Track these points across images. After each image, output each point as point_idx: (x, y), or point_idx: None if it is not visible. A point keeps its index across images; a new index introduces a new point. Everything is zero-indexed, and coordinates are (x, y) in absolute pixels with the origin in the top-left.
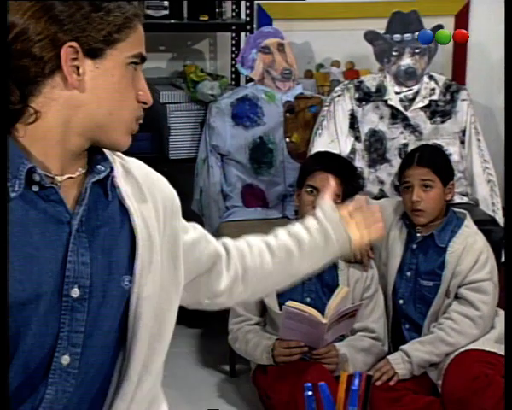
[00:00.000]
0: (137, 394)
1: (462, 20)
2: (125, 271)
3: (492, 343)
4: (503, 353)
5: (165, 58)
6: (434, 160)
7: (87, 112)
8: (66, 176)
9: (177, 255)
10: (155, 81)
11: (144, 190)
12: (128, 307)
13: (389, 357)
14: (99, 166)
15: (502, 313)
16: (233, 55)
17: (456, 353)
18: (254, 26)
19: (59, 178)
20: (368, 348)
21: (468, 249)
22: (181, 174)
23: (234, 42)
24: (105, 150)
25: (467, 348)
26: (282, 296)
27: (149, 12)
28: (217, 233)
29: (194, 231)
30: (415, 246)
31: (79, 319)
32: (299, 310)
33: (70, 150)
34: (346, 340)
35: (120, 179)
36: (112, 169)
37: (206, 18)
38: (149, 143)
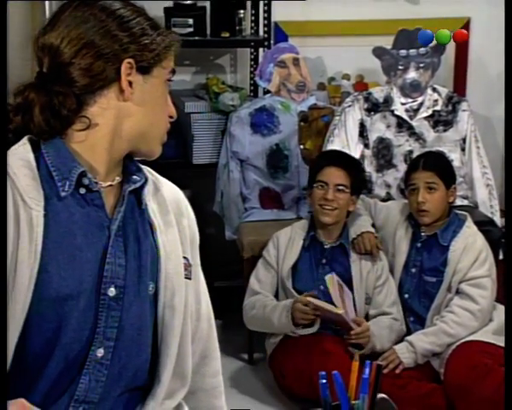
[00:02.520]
0: (167, 396)
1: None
2: (151, 278)
3: (491, 335)
4: (500, 344)
5: (189, 72)
6: (438, 164)
7: (133, 122)
8: (109, 183)
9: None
10: (180, 93)
11: (171, 211)
12: (157, 313)
13: (395, 347)
14: (134, 177)
15: (499, 306)
16: (252, 69)
17: (458, 343)
18: (271, 42)
19: (103, 184)
20: (390, 326)
21: (469, 248)
22: (203, 178)
23: (253, 57)
24: (142, 167)
25: (467, 339)
26: (297, 282)
27: (175, 29)
28: (237, 232)
29: None
30: (419, 245)
31: (114, 316)
32: (321, 305)
33: (114, 158)
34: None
35: (149, 197)
36: (146, 179)
37: (227, 35)
38: (175, 149)
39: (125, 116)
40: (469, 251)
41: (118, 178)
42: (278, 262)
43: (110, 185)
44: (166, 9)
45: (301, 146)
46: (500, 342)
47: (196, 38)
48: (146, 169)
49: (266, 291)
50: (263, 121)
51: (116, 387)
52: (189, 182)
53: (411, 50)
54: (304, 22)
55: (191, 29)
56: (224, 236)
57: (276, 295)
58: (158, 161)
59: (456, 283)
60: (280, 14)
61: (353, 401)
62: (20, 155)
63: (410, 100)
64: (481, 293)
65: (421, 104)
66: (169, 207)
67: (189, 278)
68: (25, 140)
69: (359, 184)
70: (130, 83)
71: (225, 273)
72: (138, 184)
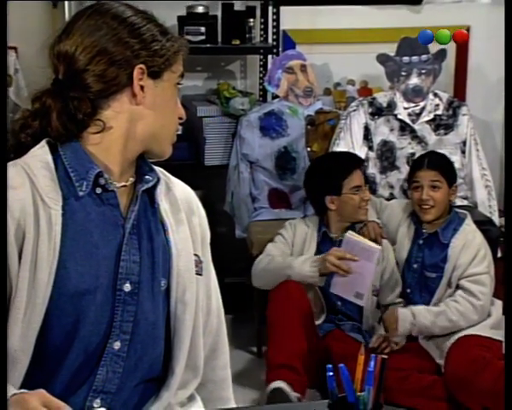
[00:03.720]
0: (180, 387)
1: (462, 45)
2: (162, 274)
3: (488, 329)
4: (497, 337)
5: (201, 77)
6: (442, 164)
7: (145, 124)
8: (123, 183)
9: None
10: (193, 98)
11: (182, 210)
12: (169, 308)
13: (399, 310)
14: (147, 177)
15: (497, 302)
16: (261, 75)
17: (457, 337)
18: (280, 49)
19: (117, 184)
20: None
21: (468, 245)
22: (215, 179)
23: (262, 63)
24: (154, 167)
25: (466, 333)
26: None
27: (188, 37)
28: (246, 231)
29: None
30: (421, 241)
31: (130, 311)
32: (359, 240)
33: (128, 158)
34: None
35: (161, 196)
36: (158, 179)
37: (237, 42)
38: (187, 151)
39: (137, 119)
40: (468, 248)
41: (131, 179)
42: (294, 247)
43: (124, 186)
44: (180, 18)
45: (308, 148)
46: (497, 336)
47: (208, 45)
48: (158, 170)
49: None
50: (272, 125)
51: (132, 378)
52: (201, 183)
53: (414, 57)
54: (311, 30)
55: (203, 37)
56: (234, 234)
57: None
58: (171, 162)
59: (456, 278)
60: (288, 22)
61: (359, 393)
62: (39, 157)
63: (412, 105)
64: (481, 289)
65: (423, 109)
66: (180, 206)
67: (200, 274)
68: (43, 143)
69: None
70: (141, 87)
71: (235, 270)
72: (151, 184)
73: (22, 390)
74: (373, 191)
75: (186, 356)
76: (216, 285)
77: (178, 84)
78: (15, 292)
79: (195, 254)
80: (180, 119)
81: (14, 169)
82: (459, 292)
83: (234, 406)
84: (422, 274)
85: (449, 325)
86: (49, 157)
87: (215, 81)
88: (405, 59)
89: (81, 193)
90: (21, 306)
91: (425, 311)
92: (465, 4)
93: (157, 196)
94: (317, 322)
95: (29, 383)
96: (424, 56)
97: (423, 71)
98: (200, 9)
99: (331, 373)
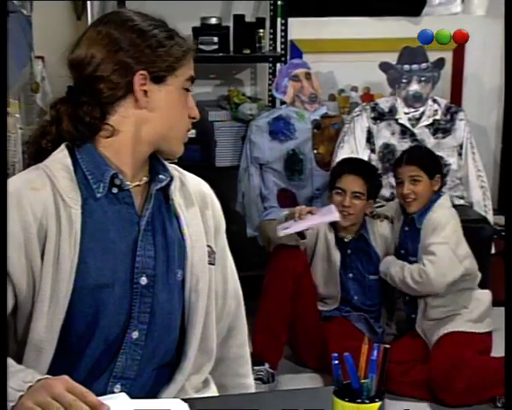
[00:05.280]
0: (194, 372)
1: (459, 54)
2: (178, 265)
3: (472, 324)
4: (479, 331)
5: (213, 84)
6: (421, 158)
7: (151, 127)
8: (137, 183)
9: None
10: (205, 103)
11: (196, 204)
12: (184, 296)
13: (388, 257)
14: (161, 176)
15: (483, 292)
16: (270, 82)
17: (442, 334)
18: (288, 58)
19: (131, 184)
20: None
21: (431, 222)
22: (225, 179)
23: (271, 71)
24: (168, 166)
25: (450, 330)
26: None
27: (201, 46)
28: (257, 229)
29: None
30: (406, 228)
31: (146, 302)
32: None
33: (139, 159)
34: None
35: (176, 192)
36: (172, 178)
37: (248, 51)
38: (199, 153)
39: (143, 123)
40: (431, 225)
41: (145, 178)
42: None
43: (138, 185)
44: (194, 29)
45: (315, 151)
46: (479, 329)
47: (220, 54)
48: (173, 167)
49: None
50: (280, 129)
51: (150, 364)
52: (213, 183)
53: (414, 65)
54: (317, 40)
55: (216, 46)
56: (245, 233)
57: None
58: (184, 163)
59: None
60: (295, 32)
61: (363, 381)
62: (59, 160)
63: (412, 110)
64: (430, 258)
65: (422, 114)
66: (194, 200)
67: (213, 264)
68: (63, 147)
69: (375, 189)
70: (145, 92)
71: (247, 265)
72: (164, 183)
73: (46, 376)
74: (381, 185)
75: (199, 340)
76: (233, 269)
77: (187, 90)
78: (39, 287)
79: (208, 246)
80: (193, 118)
81: (36, 172)
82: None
83: (252, 383)
84: (408, 260)
85: (399, 280)
86: (69, 160)
87: (226, 88)
88: (406, 67)
89: (99, 194)
90: (46, 299)
91: (398, 266)
92: (462, 16)
93: (171, 192)
94: (327, 308)
95: (54, 370)
96: (424, 64)
97: (423, 78)
98: (214, 21)
99: (336, 361)
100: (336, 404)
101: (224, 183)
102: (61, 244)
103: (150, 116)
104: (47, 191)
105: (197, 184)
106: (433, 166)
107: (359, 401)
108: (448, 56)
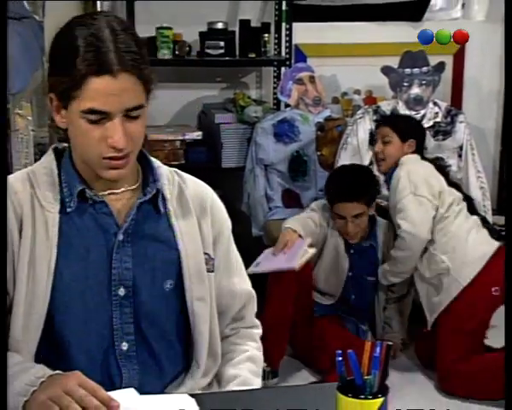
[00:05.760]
0: (203, 375)
1: (459, 58)
2: (169, 276)
3: None
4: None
5: (219, 87)
6: (395, 121)
7: (72, 146)
8: (109, 191)
9: (229, 264)
10: (211, 106)
11: (193, 212)
12: (182, 305)
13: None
14: (148, 188)
15: None
16: (275, 85)
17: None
18: (292, 62)
19: (103, 194)
20: None
21: (394, 179)
22: (231, 180)
23: (276, 74)
24: (169, 170)
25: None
26: None
27: (208, 51)
28: (262, 229)
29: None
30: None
31: (127, 313)
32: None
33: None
34: None
35: (173, 201)
36: (158, 191)
37: (253, 55)
38: (206, 155)
39: (70, 139)
40: (393, 184)
41: (127, 186)
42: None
43: (113, 193)
44: (201, 34)
45: (318, 152)
46: None
47: (227, 58)
48: (174, 171)
49: (313, 220)
50: (285, 131)
51: (154, 372)
52: (219, 184)
53: (415, 69)
54: (321, 45)
55: (222, 50)
56: (251, 232)
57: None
58: (191, 165)
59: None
60: (300, 37)
61: (366, 377)
62: (44, 163)
63: (413, 112)
64: (400, 215)
65: (423, 116)
66: (191, 207)
67: (212, 271)
68: (50, 151)
69: (374, 196)
70: (57, 109)
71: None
72: (148, 197)
73: (58, 371)
74: (378, 192)
75: (207, 347)
76: (240, 264)
77: (91, 119)
78: (15, 287)
79: (206, 253)
80: (113, 147)
81: (20, 176)
82: None
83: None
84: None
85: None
86: (54, 164)
87: (232, 91)
88: (407, 71)
89: (69, 209)
90: (21, 299)
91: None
92: (461, 21)
93: (167, 201)
94: (324, 303)
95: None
96: (425, 68)
97: (424, 82)
98: (220, 25)
99: (340, 358)
100: (340, 400)
101: (230, 184)
102: (36, 247)
103: (70, 134)
104: (25, 194)
105: (197, 189)
106: (406, 129)
107: (362, 396)
108: (448, 60)
